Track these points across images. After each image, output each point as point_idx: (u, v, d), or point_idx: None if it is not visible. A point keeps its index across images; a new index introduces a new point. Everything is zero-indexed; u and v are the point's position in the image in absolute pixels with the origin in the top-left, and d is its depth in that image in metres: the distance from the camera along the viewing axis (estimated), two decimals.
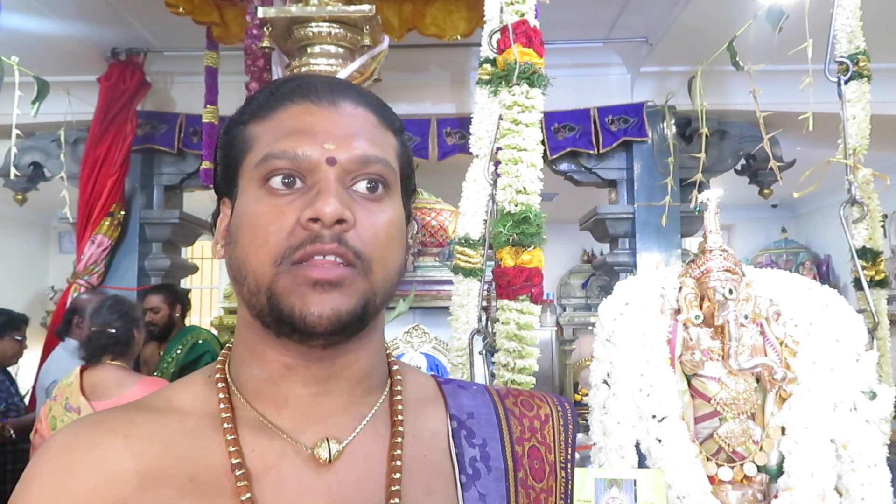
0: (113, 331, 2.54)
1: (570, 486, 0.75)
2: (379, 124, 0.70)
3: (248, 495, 0.62)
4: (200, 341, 3.75)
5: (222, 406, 0.67)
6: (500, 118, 1.83)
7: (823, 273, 7.16)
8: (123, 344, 2.57)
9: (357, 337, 0.67)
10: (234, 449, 0.64)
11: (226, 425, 0.66)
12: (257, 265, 0.63)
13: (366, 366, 0.70)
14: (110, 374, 2.50)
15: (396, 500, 0.65)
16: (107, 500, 0.61)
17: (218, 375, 0.71)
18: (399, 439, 0.69)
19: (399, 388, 0.73)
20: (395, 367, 0.76)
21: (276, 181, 0.64)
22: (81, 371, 2.52)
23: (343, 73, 2.50)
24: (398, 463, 0.67)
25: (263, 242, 0.63)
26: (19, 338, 3.86)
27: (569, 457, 0.76)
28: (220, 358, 0.73)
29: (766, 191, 4.38)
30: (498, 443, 0.73)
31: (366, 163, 0.66)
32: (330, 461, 0.65)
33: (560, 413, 0.78)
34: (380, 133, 0.70)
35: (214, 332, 4.43)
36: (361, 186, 0.66)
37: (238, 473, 0.63)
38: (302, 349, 0.65)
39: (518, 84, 1.73)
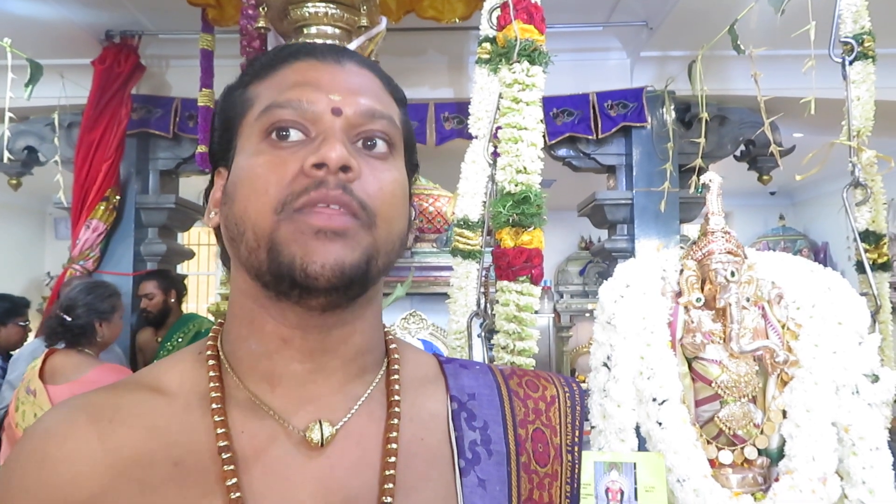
0: (69, 319, 2.49)
1: (576, 470, 0.72)
2: (384, 88, 0.69)
3: (234, 480, 0.59)
4: (203, 330, 3.74)
5: (212, 385, 0.64)
6: (500, 97, 1.80)
7: (821, 260, 7.17)
8: (77, 335, 2.50)
9: (354, 306, 0.64)
10: (222, 431, 0.61)
11: (215, 405, 0.63)
12: (257, 216, 0.60)
13: (361, 341, 0.67)
14: (69, 360, 2.48)
15: (390, 486, 0.62)
16: (85, 490, 0.59)
17: (210, 352, 0.67)
18: (395, 421, 0.65)
19: (396, 367, 0.70)
20: (393, 346, 0.72)
21: (279, 132, 0.62)
22: (47, 355, 2.51)
23: None
24: (393, 446, 0.64)
25: (263, 192, 0.60)
26: (23, 323, 3.86)
27: (576, 440, 0.73)
28: (211, 334, 0.70)
29: (765, 177, 4.36)
30: (500, 425, 0.70)
31: (372, 117, 0.64)
32: (322, 444, 0.62)
33: (567, 394, 0.75)
34: (385, 95, 0.69)
35: (211, 318, 4.41)
36: (366, 143, 0.64)
37: (225, 457, 0.60)
38: (300, 313, 0.62)
39: (518, 61, 1.71)
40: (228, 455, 0.60)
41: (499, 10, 1.85)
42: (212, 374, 0.65)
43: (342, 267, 0.59)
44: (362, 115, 0.64)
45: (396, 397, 0.67)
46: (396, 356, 0.72)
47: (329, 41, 2.48)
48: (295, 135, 0.62)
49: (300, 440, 0.62)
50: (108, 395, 0.66)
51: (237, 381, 0.65)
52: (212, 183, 0.71)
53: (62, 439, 0.62)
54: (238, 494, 0.58)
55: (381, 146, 0.65)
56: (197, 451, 0.61)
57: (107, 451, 0.61)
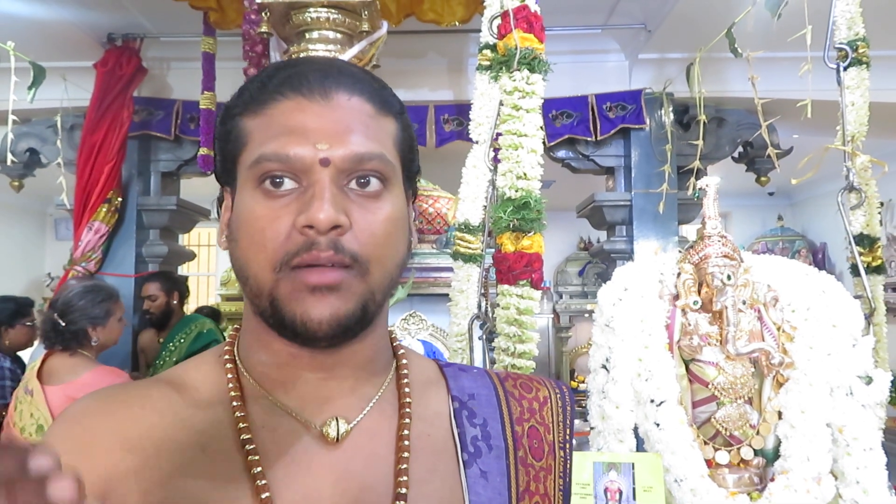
0: (63, 324, 2.49)
1: (568, 465, 0.77)
2: (375, 114, 0.68)
3: (259, 469, 0.63)
4: (205, 331, 3.76)
5: (231, 385, 0.69)
6: (501, 104, 1.83)
7: (819, 261, 7.19)
8: (69, 339, 2.50)
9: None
10: (244, 425, 0.66)
11: (235, 403, 0.67)
12: (258, 270, 0.64)
13: (370, 352, 0.72)
14: (66, 361, 2.50)
15: (404, 479, 0.66)
16: (123, 465, 0.63)
17: (227, 356, 0.72)
18: (407, 420, 0.70)
19: (405, 371, 0.75)
20: (402, 352, 0.78)
21: (271, 183, 0.64)
22: (46, 356, 2.54)
23: (342, 59, 2.49)
24: (406, 443, 0.68)
25: (262, 248, 0.63)
26: (30, 323, 3.87)
27: (567, 437, 0.79)
28: (228, 339, 0.75)
29: (763, 178, 4.38)
30: (498, 423, 0.75)
31: (360, 160, 0.64)
32: (338, 440, 0.66)
33: (558, 395, 0.81)
34: (376, 123, 0.67)
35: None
36: (360, 181, 0.65)
37: (249, 448, 0.64)
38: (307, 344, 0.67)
39: (519, 69, 1.73)
40: (252, 447, 0.64)
41: (499, 18, 1.87)
42: (229, 375, 0.70)
43: (338, 319, 0.62)
44: (351, 160, 0.64)
45: (408, 399, 0.72)
46: (405, 362, 0.76)
47: (330, 46, 2.50)
48: (288, 183, 0.64)
49: (317, 435, 0.67)
50: (136, 387, 0.71)
51: (253, 383, 0.70)
52: (222, 192, 0.73)
53: (103, 417, 0.67)
54: (264, 482, 0.63)
55: (374, 184, 0.65)
56: (221, 440, 0.66)
57: (140, 432, 0.65)
